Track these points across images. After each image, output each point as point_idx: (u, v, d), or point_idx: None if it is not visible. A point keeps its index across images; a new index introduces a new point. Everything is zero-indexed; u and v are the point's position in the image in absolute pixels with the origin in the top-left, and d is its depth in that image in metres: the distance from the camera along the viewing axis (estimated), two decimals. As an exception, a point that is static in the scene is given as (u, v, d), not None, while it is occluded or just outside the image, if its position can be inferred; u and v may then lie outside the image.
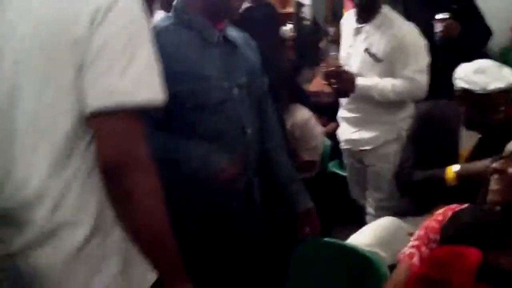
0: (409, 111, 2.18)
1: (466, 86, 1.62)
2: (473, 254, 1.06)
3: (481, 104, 1.61)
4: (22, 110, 0.83)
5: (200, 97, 1.35)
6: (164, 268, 0.92)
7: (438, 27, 2.34)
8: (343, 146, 2.38)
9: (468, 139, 1.75)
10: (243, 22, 1.68)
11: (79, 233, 0.87)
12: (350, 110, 2.26)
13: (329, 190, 2.48)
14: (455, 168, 1.66)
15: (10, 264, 0.88)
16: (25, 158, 0.85)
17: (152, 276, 0.96)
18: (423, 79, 2.07)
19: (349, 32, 2.24)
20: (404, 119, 2.15)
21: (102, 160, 0.84)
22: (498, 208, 1.13)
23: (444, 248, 1.14)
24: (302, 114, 2.39)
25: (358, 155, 2.29)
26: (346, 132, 2.32)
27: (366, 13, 2.14)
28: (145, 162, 0.86)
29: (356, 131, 2.25)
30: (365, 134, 2.21)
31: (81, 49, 0.81)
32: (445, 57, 2.23)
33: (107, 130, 0.83)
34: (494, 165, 1.16)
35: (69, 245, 0.86)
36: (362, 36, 2.15)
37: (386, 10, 2.15)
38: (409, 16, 2.31)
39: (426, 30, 2.26)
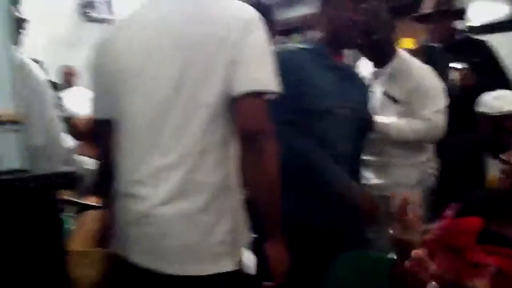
0: (429, 154, 2.22)
1: (484, 110, 1.88)
2: (475, 221, 1.27)
3: (499, 126, 1.86)
4: (185, 93, 1.17)
5: (316, 104, 1.72)
6: (269, 220, 1.24)
7: (452, 76, 2.40)
8: None
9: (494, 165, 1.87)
10: None
11: (208, 193, 1.19)
12: (370, 155, 2.19)
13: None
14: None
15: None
16: (178, 125, 1.18)
17: (249, 236, 1.30)
18: (441, 120, 2.11)
19: (366, 76, 2.26)
20: (425, 162, 2.20)
21: (244, 127, 1.19)
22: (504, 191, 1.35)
23: (450, 219, 1.35)
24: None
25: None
26: (367, 178, 2.23)
27: (380, 61, 2.21)
28: (272, 131, 1.20)
29: (377, 176, 2.21)
30: (386, 179, 2.18)
31: (234, 49, 1.17)
32: (460, 105, 2.26)
33: (249, 107, 1.18)
34: (504, 157, 1.38)
35: (199, 201, 1.19)
36: (380, 79, 2.21)
37: (402, 52, 2.21)
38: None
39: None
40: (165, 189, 1.18)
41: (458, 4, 4.34)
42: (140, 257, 1.22)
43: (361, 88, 1.97)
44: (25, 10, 1.99)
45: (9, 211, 1.28)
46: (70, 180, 1.51)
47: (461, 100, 2.28)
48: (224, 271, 1.21)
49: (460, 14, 3.06)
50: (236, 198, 1.26)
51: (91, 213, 2.16)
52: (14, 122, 1.44)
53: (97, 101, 1.35)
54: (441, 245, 1.30)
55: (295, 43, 1.94)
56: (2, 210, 1.27)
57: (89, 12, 5.80)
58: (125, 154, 1.27)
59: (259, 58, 1.20)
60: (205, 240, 1.19)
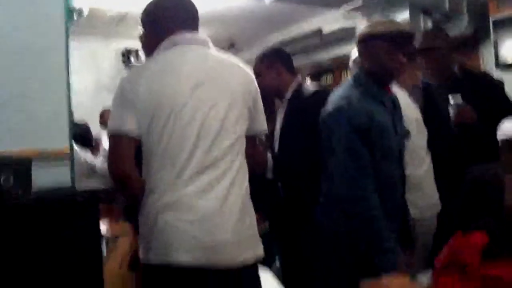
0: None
1: (504, 137, 1.96)
2: (479, 236, 1.33)
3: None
4: (228, 126, 1.58)
5: (384, 144, 1.86)
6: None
7: (452, 112, 2.33)
8: None
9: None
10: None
11: (242, 198, 1.58)
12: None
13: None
14: None
15: None
16: (225, 148, 1.56)
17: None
18: None
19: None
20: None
21: (258, 160, 1.85)
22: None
23: (456, 236, 1.41)
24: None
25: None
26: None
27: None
28: None
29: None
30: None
31: (252, 101, 1.68)
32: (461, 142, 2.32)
33: (258, 143, 1.83)
34: None
35: (239, 203, 1.56)
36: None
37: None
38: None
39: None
40: (212, 197, 1.51)
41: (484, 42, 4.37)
42: (192, 255, 1.46)
43: (400, 113, 2.05)
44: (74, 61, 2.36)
45: (61, 218, 1.83)
46: (109, 195, 2.20)
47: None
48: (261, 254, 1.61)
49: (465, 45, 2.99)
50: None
51: (122, 239, 2.30)
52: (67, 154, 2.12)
53: (132, 123, 1.53)
54: (448, 268, 1.35)
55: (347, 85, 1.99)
56: (56, 217, 1.83)
57: (130, 60, 6.16)
58: (170, 171, 1.51)
59: (262, 108, 1.75)
60: (251, 229, 1.59)
